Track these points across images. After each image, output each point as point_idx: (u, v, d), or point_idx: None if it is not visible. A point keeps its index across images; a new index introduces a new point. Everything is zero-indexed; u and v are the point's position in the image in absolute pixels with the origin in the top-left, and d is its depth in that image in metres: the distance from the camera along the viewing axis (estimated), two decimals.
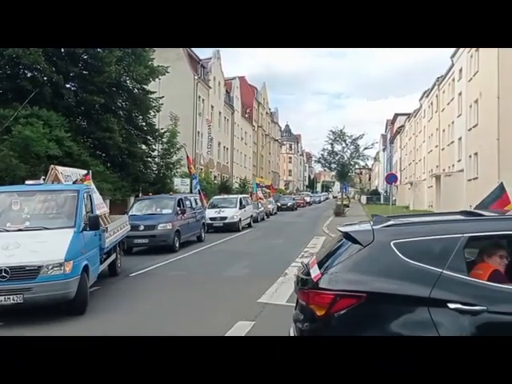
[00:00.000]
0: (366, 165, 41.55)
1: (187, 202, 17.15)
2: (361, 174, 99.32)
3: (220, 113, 45.94)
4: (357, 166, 39.55)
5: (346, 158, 36.39)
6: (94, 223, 8.13)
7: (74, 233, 7.42)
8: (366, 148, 35.96)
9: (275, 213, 36.56)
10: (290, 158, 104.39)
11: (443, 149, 35.67)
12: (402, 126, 62.12)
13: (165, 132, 25.69)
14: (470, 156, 26.89)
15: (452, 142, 32.60)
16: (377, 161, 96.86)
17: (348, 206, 46.05)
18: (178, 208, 15.74)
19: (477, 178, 25.36)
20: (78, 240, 7.45)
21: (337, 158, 36.57)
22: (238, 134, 53.70)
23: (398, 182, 48.42)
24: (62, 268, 6.73)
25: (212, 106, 42.96)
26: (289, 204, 44.36)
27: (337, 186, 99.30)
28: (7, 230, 7.48)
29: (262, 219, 29.58)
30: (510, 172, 20.45)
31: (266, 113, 71.86)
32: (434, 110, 39.56)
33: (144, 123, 24.06)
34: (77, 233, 7.51)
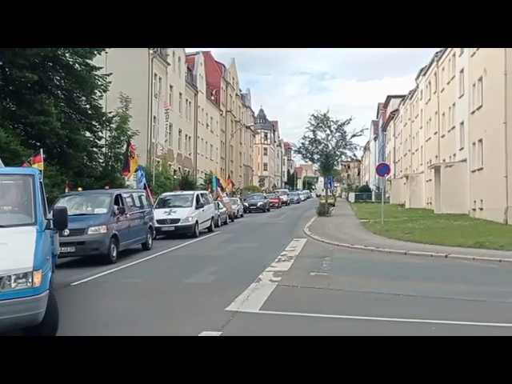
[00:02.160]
0: (355, 156, 41.68)
1: (128, 200, 16.09)
2: (348, 167, 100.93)
3: (181, 94, 45.80)
4: (343, 158, 39.73)
5: (330, 148, 36.59)
6: (62, 219, 7.26)
7: (36, 232, 6.66)
8: (354, 135, 36.09)
9: (241, 215, 35.92)
10: (266, 149, 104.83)
11: (443, 136, 36.46)
12: (396, 110, 63.15)
13: (113, 116, 25.49)
14: (474, 143, 27.57)
15: (453, 128, 33.36)
16: (367, 150, 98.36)
17: (334, 205, 46.61)
18: (116, 207, 14.69)
19: (482, 168, 26.04)
20: (43, 242, 6.69)
21: (320, 147, 36.69)
22: (203, 120, 53.64)
23: (391, 175, 49.28)
24: (30, 280, 5.84)
25: (171, 86, 42.79)
26: (259, 204, 42.96)
27: (320, 182, 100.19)
28: None
29: (225, 223, 28.50)
30: None
31: (236, 95, 71.96)
32: (433, 90, 40.36)
33: (88, 106, 23.81)
34: (40, 232, 6.77)
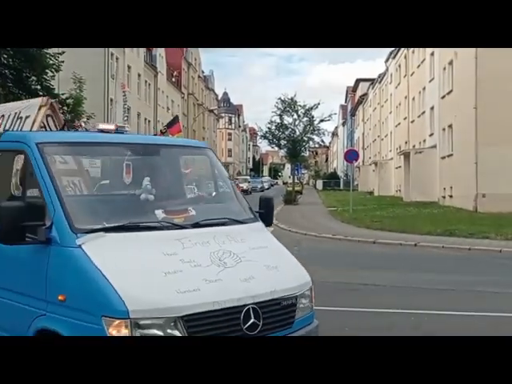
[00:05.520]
0: (323, 141, 42.11)
1: None
2: (316, 153, 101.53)
3: (139, 75, 45.16)
4: (311, 143, 40.04)
5: (298, 133, 36.86)
6: (271, 214, 5.55)
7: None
8: (322, 120, 36.47)
9: None
10: (230, 134, 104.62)
11: (413, 121, 37.05)
12: (365, 94, 63.76)
13: (67, 98, 24.94)
14: (444, 129, 28.11)
15: (423, 113, 33.92)
16: (335, 136, 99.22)
17: (301, 193, 47.00)
18: None
19: (451, 154, 26.58)
20: None
21: (287, 132, 36.94)
22: (163, 103, 53.05)
23: (359, 161, 49.88)
24: (310, 298, 4.55)
25: (129, 67, 42.13)
26: None
27: (287, 169, 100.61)
28: (174, 225, 4.35)
29: None
30: (489, 147, 21.61)
31: (199, 77, 71.44)
32: (403, 73, 40.92)
33: (39, 86, 23.22)
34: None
